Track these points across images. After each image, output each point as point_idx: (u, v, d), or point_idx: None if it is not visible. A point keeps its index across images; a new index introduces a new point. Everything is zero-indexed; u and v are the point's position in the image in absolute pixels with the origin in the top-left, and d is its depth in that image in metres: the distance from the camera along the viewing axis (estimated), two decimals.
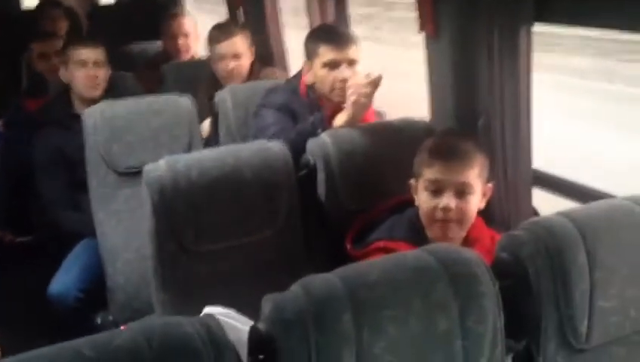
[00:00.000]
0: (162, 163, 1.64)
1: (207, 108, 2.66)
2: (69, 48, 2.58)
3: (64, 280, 2.30)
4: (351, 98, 1.87)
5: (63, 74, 2.60)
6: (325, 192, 1.79)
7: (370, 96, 1.88)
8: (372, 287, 0.99)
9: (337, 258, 1.75)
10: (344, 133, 1.84)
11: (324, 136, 1.83)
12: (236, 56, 2.71)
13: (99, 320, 2.18)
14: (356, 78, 1.91)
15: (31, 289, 3.00)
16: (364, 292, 0.99)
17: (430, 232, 1.61)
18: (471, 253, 1.07)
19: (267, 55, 2.98)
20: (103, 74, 2.57)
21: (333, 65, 2.02)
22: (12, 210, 3.45)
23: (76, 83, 2.55)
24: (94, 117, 2.25)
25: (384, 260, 1.06)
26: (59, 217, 2.50)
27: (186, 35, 3.45)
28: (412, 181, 1.65)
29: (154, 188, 1.60)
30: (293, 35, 3.03)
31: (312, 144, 1.84)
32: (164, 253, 1.63)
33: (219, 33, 2.74)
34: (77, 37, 2.73)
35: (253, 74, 2.81)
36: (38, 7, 4.26)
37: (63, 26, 4.02)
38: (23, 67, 3.79)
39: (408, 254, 1.07)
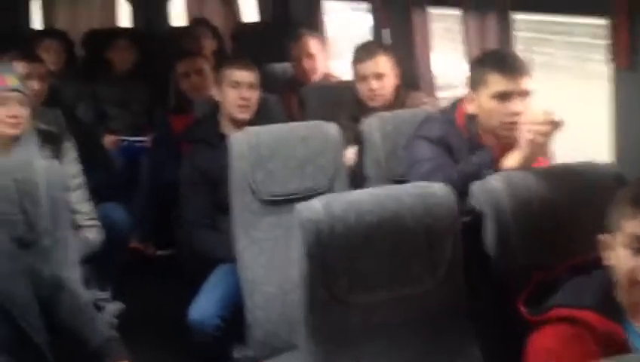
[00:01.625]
0: (317, 203, 1.52)
1: (350, 133, 2.55)
2: (224, 68, 2.58)
3: (205, 307, 2.27)
4: (526, 136, 1.65)
5: (216, 93, 2.60)
6: (494, 243, 1.59)
7: (548, 135, 1.65)
8: None
9: (505, 318, 1.55)
10: (518, 177, 1.62)
11: (494, 180, 1.62)
12: (379, 76, 2.60)
13: (235, 354, 2.12)
14: (532, 113, 1.69)
15: (167, 304, 3.05)
16: None
17: (629, 299, 1.35)
18: None
19: (413, 79, 2.81)
20: (255, 96, 2.55)
21: (503, 96, 1.81)
22: (155, 224, 3.57)
23: (228, 104, 2.54)
24: (240, 143, 2.22)
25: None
26: (199, 237, 2.49)
27: (310, 56, 3.38)
28: (603, 237, 1.41)
29: (309, 231, 1.48)
30: (443, 59, 2.86)
31: (478, 188, 1.64)
32: (315, 300, 1.51)
33: (362, 53, 2.64)
34: (231, 57, 2.73)
35: (398, 98, 2.67)
36: (186, 26, 4.41)
37: (209, 45, 4.12)
38: (171, 85, 3.93)
39: None
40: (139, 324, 2.58)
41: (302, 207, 1.53)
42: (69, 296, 1.71)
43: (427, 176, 1.87)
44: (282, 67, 3.81)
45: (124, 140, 3.83)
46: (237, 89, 2.52)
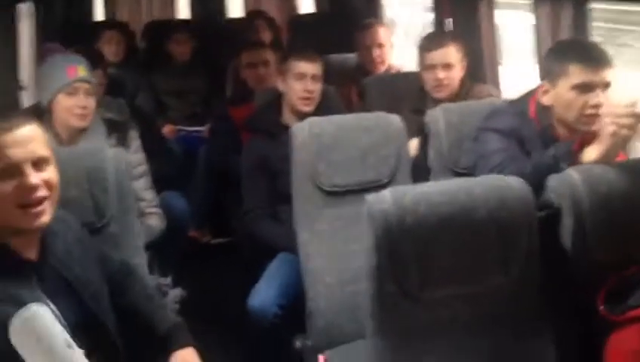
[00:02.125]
0: (387, 194, 1.49)
1: (412, 125, 2.50)
2: (289, 60, 2.56)
3: (265, 295, 2.27)
4: (608, 128, 1.58)
5: (280, 84, 2.59)
6: (572, 239, 1.52)
7: (633, 128, 1.57)
8: None
9: (580, 317, 1.49)
10: (598, 171, 1.55)
11: (573, 173, 1.55)
12: (447, 66, 2.54)
13: (298, 344, 2.11)
14: (616, 104, 1.61)
15: (224, 291, 3.08)
16: None
17: None
18: None
19: (477, 71, 2.73)
20: (318, 88, 2.53)
21: (585, 88, 1.74)
22: (211, 213, 3.61)
23: (292, 95, 2.53)
24: (302, 133, 2.20)
25: None
26: (259, 226, 2.50)
27: (380, 46, 3.33)
28: None
29: (378, 223, 1.45)
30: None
31: (556, 181, 1.58)
32: (383, 293, 1.48)
33: (430, 41, 2.60)
34: (290, 48, 2.70)
35: (463, 90, 2.61)
36: (243, 17, 4.42)
37: (267, 36, 4.13)
38: (229, 75, 3.96)
39: None
40: (197, 311, 2.60)
41: (372, 198, 1.50)
42: (138, 281, 1.73)
43: (497, 169, 1.82)
44: (340, 58, 3.78)
45: (181, 130, 3.89)
46: (302, 81, 2.50)
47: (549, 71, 1.83)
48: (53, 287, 1.44)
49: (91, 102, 2.31)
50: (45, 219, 1.39)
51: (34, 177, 1.36)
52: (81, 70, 2.30)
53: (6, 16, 2.56)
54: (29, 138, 1.37)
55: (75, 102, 2.27)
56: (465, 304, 1.51)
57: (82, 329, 1.46)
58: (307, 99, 2.50)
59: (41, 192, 1.37)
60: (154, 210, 2.48)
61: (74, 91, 2.27)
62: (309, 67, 2.51)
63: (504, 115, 1.97)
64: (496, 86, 2.70)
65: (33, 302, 1.36)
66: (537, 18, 2.30)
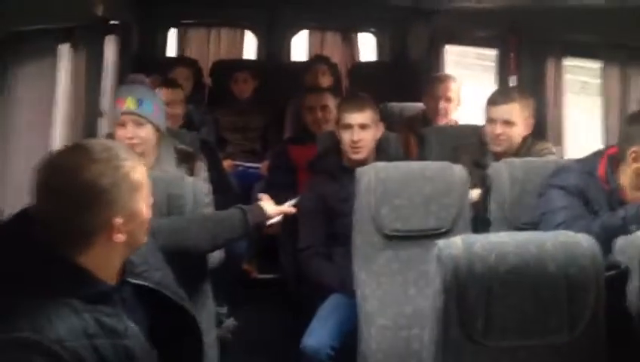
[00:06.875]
0: (458, 241, 1.54)
1: (472, 177, 2.53)
2: (338, 110, 2.62)
3: (319, 334, 2.30)
4: None
5: (336, 131, 2.66)
6: (639, 303, 1.53)
7: None
8: None
9: None
10: None
11: None
12: (507, 122, 2.58)
13: None
14: None
15: (270, 326, 3.11)
16: None
17: None
18: None
19: (540, 128, 2.77)
20: (367, 136, 2.54)
21: None
22: (259, 248, 3.67)
23: (343, 144, 2.58)
24: (368, 176, 2.26)
25: None
26: (315, 266, 2.53)
27: (448, 100, 3.41)
28: None
29: (447, 267, 1.49)
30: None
31: (624, 243, 1.60)
32: (447, 338, 1.51)
33: (498, 96, 2.65)
34: (345, 100, 2.75)
35: (524, 147, 2.64)
36: (305, 61, 4.57)
37: (326, 81, 4.25)
38: (288, 114, 4.08)
39: None
40: (248, 343, 2.62)
41: (442, 243, 1.54)
42: (207, 306, 1.78)
43: (562, 226, 1.84)
44: (398, 106, 3.87)
45: (239, 165, 3.99)
46: (349, 131, 2.53)
47: (628, 137, 1.85)
48: (131, 303, 1.49)
49: (139, 133, 2.34)
50: None
51: None
52: (129, 102, 2.35)
53: (96, 47, 2.72)
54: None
55: (123, 133, 2.33)
56: (528, 356, 1.52)
57: (169, 323, 1.50)
58: (356, 148, 2.53)
59: None
60: None
61: (123, 123, 2.34)
62: (354, 117, 2.53)
63: (571, 173, 2.00)
64: (558, 144, 2.72)
65: (124, 329, 1.38)
66: (606, 83, 2.33)
